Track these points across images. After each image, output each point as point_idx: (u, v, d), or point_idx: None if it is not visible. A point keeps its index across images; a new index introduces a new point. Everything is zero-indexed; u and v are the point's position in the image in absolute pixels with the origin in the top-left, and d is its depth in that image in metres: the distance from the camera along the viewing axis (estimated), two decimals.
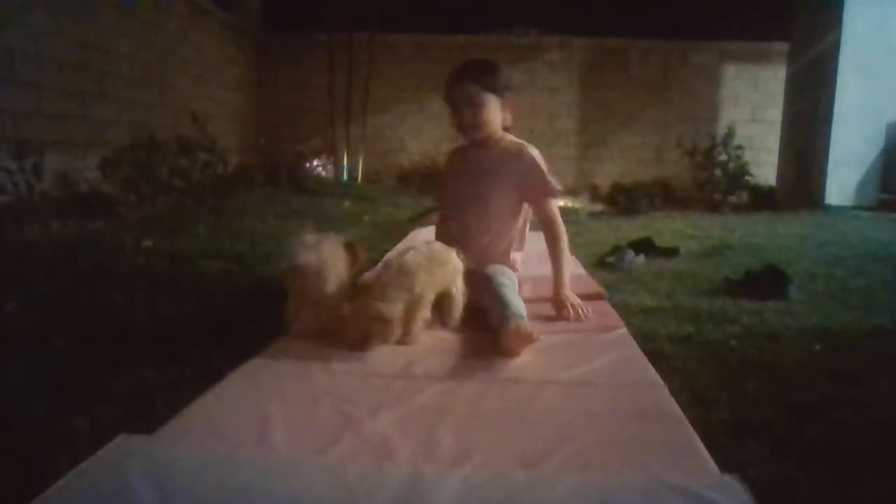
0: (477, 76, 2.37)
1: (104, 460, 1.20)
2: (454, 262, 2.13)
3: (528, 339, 1.89)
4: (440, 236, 2.54)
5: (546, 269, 2.45)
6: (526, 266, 2.69)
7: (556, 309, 2.32)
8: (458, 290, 2.15)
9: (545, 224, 2.45)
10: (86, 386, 1.61)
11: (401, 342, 1.99)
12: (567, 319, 2.25)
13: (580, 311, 2.27)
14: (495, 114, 2.41)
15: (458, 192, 2.56)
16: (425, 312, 2.01)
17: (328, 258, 2.03)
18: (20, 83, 4.79)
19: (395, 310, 1.89)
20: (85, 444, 1.27)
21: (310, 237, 2.04)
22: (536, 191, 2.46)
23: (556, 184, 2.48)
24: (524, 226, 2.61)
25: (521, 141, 2.53)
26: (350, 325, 1.93)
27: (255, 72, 9.82)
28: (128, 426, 1.33)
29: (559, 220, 2.45)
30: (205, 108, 7.53)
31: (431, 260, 2.04)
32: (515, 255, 2.62)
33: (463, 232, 2.51)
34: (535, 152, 2.48)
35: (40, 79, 5.00)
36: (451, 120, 2.46)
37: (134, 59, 6.36)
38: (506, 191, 2.49)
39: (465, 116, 2.39)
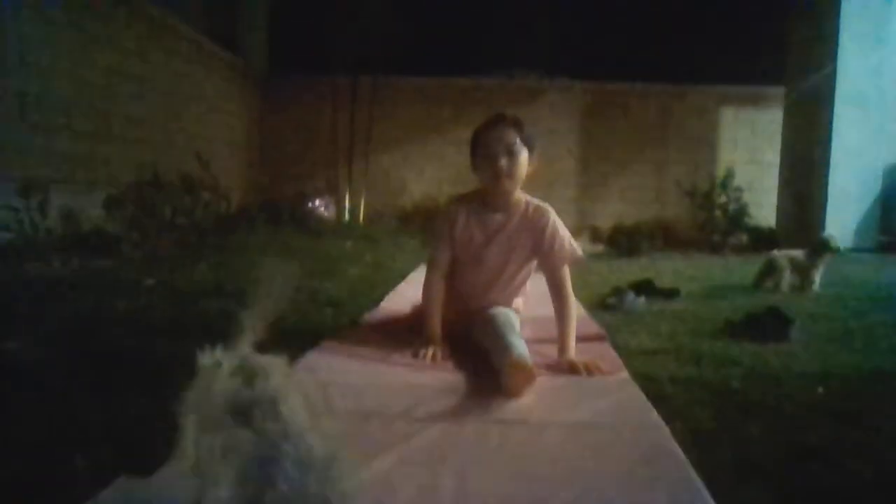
0: (515, 125, 2.37)
1: (103, 503, 1.20)
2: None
3: (529, 377, 1.89)
4: (442, 287, 2.49)
5: (546, 309, 2.46)
6: (526, 306, 2.70)
7: (569, 371, 2.18)
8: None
9: (555, 289, 2.42)
10: (85, 425, 1.61)
11: None
12: (580, 374, 2.14)
13: (591, 368, 2.16)
14: (525, 167, 2.38)
15: (474, 258, 2.50)
16: None
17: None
18: (28, 123, 4.87)
19: None
20: (84, 486, 1.26)
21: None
22: (554, 262, 2.44)
23: (576, 249, 2.48)
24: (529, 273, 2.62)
25: (538, 203, 2.50)
26: None
27: (259, 112, 9.96)
28: (127, 467, 1.32)
29: (570, 288, 2.42)
30: (209, 147, 7.63)
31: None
32: (518, 300, 2.64)
33: (471, 290, 2.53)
34: (555, 218, 2.47)
35: (47, 118, 5.08)
36: (481, 168, 2.40)
37: (140, 99, 6.47)
38: (525, 259, 2.51)
39: (501, 164, 2.33)
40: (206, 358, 1.04)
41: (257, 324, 1.15)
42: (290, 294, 1.18)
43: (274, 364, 1.02)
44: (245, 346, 1.11)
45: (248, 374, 0.98)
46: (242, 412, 0.89)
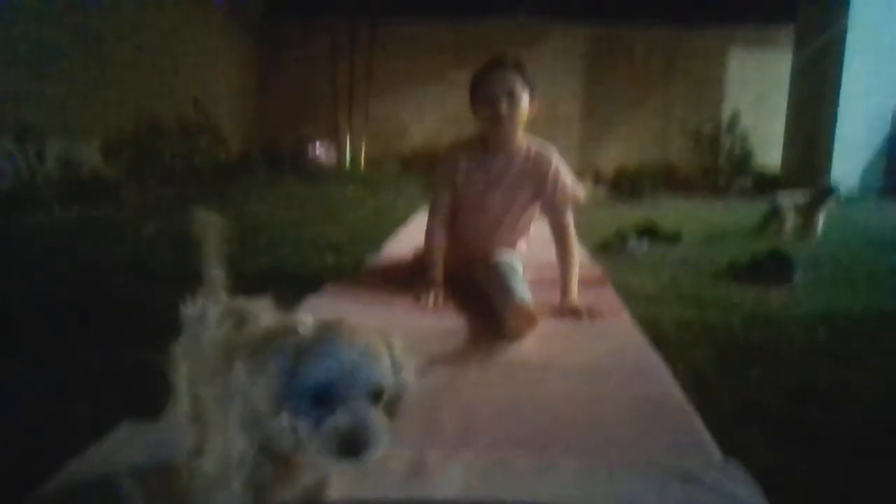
0: (516, 66, 2.28)
1: (107, 448, 1.20)
2: None
3: (530, 319, 1.88)
4: (443, 233, 2.48)
5: (549, 253, 2.44)
6: (529, 251, 2.69)
7: (571, 315, 2.18)
8: None
9: (558, 233, 2.39)
10: (88, 371, 1.61)
11: None
12: (582, 318, 2.14)
13: (593, 312, 2.15)
14: (526, 110, 2.32)
15: (477, 203, 2.46)
16: None
17: None
18: (22, 69, 4.77)
19: None
20: (87, 431, 1.27)
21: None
22: (557, 205, 2.40)
23: (578, 190, 2.44)
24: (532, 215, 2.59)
25: (541, 145, 2.44)
26: None
27: (257, 57, 9.77)
28: (130, 413, 1.33)
29: (572, 231, 2.39)
30: (207, 92, 7.50)
31: None
32: (521, 241, 2.62)
33: (473, 234, 2.50)
34: (557, 160, 2.41)
35: (41, 64, 4.98)
36: (481, 112, 2.33)
37: (136, 43, 6.33)
38: (528, 200, 2.47)
39: (502, 107, 2.26)
40: (190, 308, 1.02)
41: (217, 272, 1.12)
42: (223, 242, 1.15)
43: (261, 307, 0.99)
44: (224, 294, 1.09)
45: (236, 320, 0.95)
46: (232, 359, 0.87)
